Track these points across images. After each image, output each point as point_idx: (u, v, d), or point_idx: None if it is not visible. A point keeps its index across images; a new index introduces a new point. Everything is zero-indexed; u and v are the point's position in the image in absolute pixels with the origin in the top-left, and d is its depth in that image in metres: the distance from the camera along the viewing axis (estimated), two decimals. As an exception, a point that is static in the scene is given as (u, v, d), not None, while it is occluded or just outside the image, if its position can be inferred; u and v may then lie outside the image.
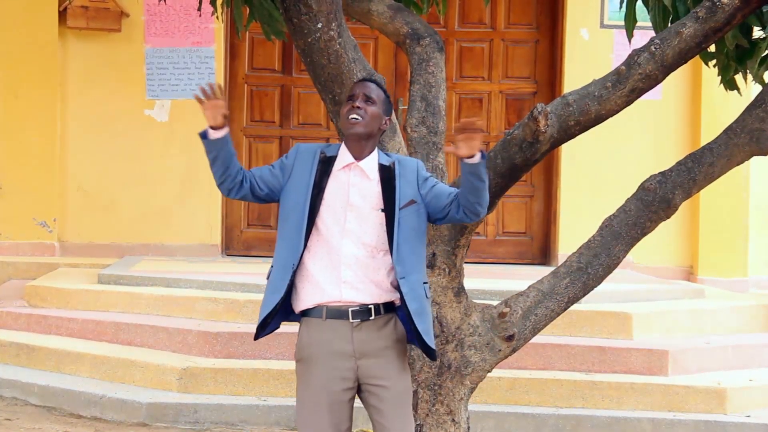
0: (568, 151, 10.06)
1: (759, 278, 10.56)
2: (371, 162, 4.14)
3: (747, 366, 7.82)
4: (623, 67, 4.85)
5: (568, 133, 4.90)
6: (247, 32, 9.10)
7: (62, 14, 10.06)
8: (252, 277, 8.40)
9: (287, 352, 7.37)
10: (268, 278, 4.19)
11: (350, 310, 4.08)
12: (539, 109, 4.74)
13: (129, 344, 7.68)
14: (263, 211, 10.47)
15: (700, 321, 8.20)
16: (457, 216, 4.12)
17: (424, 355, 4.91)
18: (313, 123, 10.54)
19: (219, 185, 4.17)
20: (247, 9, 5.82)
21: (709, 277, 10.20)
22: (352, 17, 5.67)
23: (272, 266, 4.17)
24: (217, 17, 6.10)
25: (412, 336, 4.13)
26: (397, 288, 4.08)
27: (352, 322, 4.09)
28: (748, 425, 7.00)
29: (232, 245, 10.48)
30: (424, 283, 4.14)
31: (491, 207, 5.07)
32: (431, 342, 4.12)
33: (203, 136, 4.08)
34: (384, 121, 4.18)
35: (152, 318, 7.90)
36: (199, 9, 6.05)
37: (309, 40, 4.83)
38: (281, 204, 4.15)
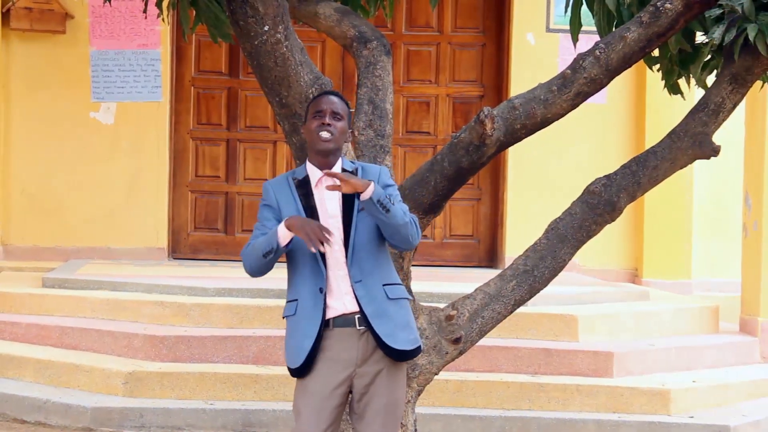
0: (514, 154, 10.11)
1: (702, 280, 10.68)
2: (336, 171, 4.18)
3: (690, 367, 7.90)
4: (568, 71, 4.89)
5: (515, 136, 4.93)
6: (194, 35, 9.06)
7: (5, 15, 9.96)
8: (199, 281, 8.37)
9: (234, 355, 7.34)
10: (290, 315, 4.16)
11: (356, 317, 4.10)
12: (486, 113, 4.76)
13: (74, 348, 7.61)
14: (210, 213, 10.43)
15: (645, 323, 8.27)
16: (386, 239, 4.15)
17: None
18: (260, 126, 10.51)
19: (255, 275, 4.15)
20: (194, 11, 5.80)
21: (653, 279, 10.30)
22: (299, 20, 5.67)
23: (293, 300, 4.15)
24: (163, 19, 6.06)
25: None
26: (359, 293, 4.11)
27: (359, 329, 4.11)
28: (691, 426, 7.07)
29: (179, 248, 10.43)
30: (386, 284, 4.14)
31: (438, 210, 5.09)
32: (394, 343, 4.10)
33: (277, 245, 4.04)
34: (349, 133, 4.26)
35: (97, 322, 7.83)
36: (144, 11, 6.01)
37: (256, 42, 4.82)
38: None
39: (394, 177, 5.28)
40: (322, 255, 4.10)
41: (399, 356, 4.12)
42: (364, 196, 3.98)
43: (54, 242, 10.15)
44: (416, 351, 4.19)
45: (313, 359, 4.10)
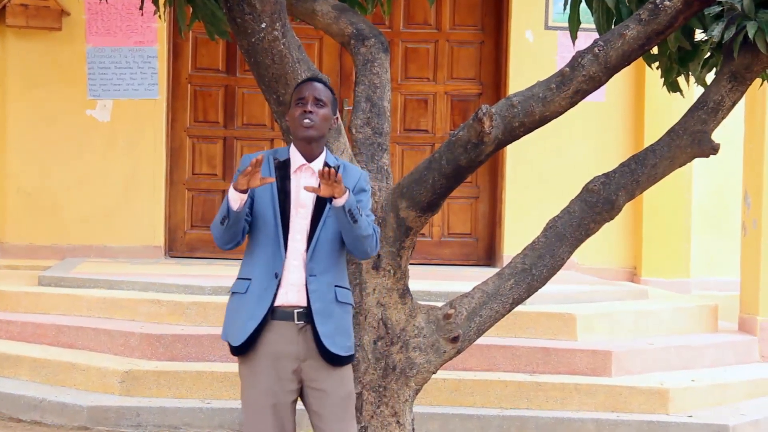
0: (513, 152, 10.09)
1: (701, 279, 10.66)
2: (320, 162, 4.15)
3: (689, 366, 7.89)
4: (567, 69, 4.86)
5: (513, 134, 4.90)
6: (190, 32, 9.04)
7: (1, 12, 9.93)
8: (195, 279, 8.35)
9: (231, 354, 7.30)
10: (239, 292, 4.12)
11: (295, 312, 4.06)
12: (484, 111, 4.74)
13: (70, 347, 7.59)
14: (207, 212, 10.40)
15: (644, 322, 8.26)
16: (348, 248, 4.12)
17: (369, 357, 4.90)
18: (257, 123, 10.48)
19: (224, 246, 4.10)
20: (190, 8, 5.77)
21: (652, 278, 10.28)
22: (296, 17, 5.64)
23: (246, 278, 4.12)
24: (160, 16, 6.04)
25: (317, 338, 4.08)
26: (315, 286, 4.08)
27: (297, 324, 4.07)
28: (690, 425, 7.06)
29: (176, 247, 10.40)
30: (337, 286, 4.12)
31: (436, 209, 5.07)
32: (331, 346, 4.08)
33: (228, 209, 3.98)
34: (333, 120, 4.20)
35: (94, 320, 7.81)
36: (141, 8, 5.98)
37: (253, 40, 4.80)
38: (252, 215, 4.12)
39: (392, 175, 5.27)
40: (285, 241, 4.06)
41: (332, 359, 4.09)
42: (338, 202, 3.95)
43: (50, 240, 10.12)
44: (350, 358, 4.17)
45: (253, 342, 4.06)
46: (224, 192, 10.40)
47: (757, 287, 8.75)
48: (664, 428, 7.04)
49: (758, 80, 5.41)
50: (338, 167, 4.15)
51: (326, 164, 4.14)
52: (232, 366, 7.19)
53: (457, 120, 10.51)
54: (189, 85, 10.44)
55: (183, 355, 7.32)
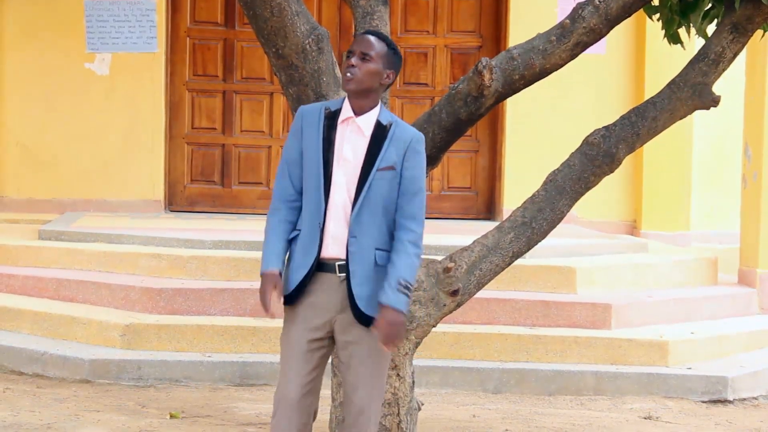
0: (512, 105, 10.06)
1: (701, 232, 10.67)
2: (369, 118, 4.10)
3: (688, 319, 7.91)
4: (567, 21, 4.84)
5: (513, 87, 4.89)
6: (189, -15, 8.99)
7: (-1, -35, 9.88)
8: (196, 233, 8.35)
9: (231, 308, 7.34)
10: (293, 244, 4.14)
11: (336, 264, 4.07)
12: (484, 63, 4.72)
13: (71, 301, 7.61)
14: (207, 167, 10.39)
15: (643, 275, 8.27)
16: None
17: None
18: (256, 77, 10.44)
19: None
20: (188, -40, 5.73)
21: (652, 231, 10.28)
22: (295, -31, 5.60)
23: (299, 228, 4.13)
24: (158, -31, 6.00)
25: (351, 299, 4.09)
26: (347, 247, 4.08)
27: (339, 276, 4.08)
28: (688, 377, 7.09)
29: (175, 201, 10.40)
30: (378, 249, 4.09)
31: (436, 162, 5.06)
32: (365, 308, 4.06)
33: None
34: (386, 75, 4.10)
35: (94, 274, 7.82)
36: (139, -40, 5.95)
37: (251, -8, 4.77)
38: (303, 166, 4.13)
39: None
40: (327, 191, 4.07)
41: (365, 321, 4.09)
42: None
43: (50, 194, 10.11)
44: None
45: (302, 291, 4.08)
46: (224, 146, 10.41)
47: (756, 240, 8.76)
48: (664, 380, 7.07)
49: (759, 32, 5.38)
50: (390, 124, 4.09)
51: (378, 122, 4.08)
52: (233, 320, 7.23)
53: (456, 73, 10.47)
54: (188, 38, 10.39)
55: (184, 309, 7.34)
